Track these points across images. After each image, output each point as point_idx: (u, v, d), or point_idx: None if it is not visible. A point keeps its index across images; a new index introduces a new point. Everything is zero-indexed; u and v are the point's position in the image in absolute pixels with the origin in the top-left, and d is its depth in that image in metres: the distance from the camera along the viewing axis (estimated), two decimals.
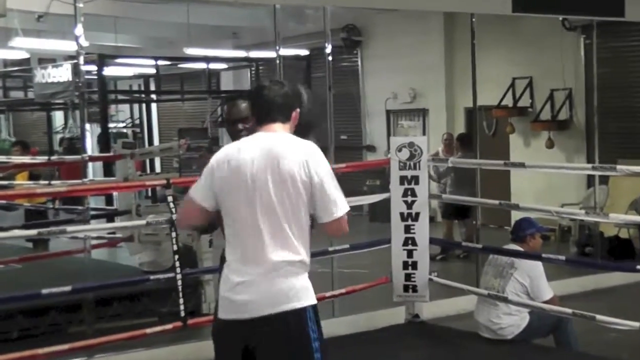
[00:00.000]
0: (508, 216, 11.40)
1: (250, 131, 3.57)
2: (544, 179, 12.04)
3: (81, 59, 7.02)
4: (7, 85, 18.05)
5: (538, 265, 5.94)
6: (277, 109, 3.41)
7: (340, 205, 3.31)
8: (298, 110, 3.49)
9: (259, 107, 3.45)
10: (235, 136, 3.82)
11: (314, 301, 3.31)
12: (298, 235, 3.28)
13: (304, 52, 15.52)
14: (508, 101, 13.01)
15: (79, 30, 6.80)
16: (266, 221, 3.25)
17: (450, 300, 7.53)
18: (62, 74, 11.43)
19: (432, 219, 12.12)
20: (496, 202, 6.79)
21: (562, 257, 6.36)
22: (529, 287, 5.89)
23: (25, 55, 14.51)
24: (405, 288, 6.68)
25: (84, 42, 7.05)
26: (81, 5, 6.80)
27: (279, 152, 3.28)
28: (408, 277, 6.65)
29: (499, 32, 12.49)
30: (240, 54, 16.81)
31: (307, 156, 3.29)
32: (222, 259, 3.57)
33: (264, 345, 3.24)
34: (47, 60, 13.13)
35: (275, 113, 3.41)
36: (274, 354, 3.23)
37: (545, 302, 5.82)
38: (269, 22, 8.05)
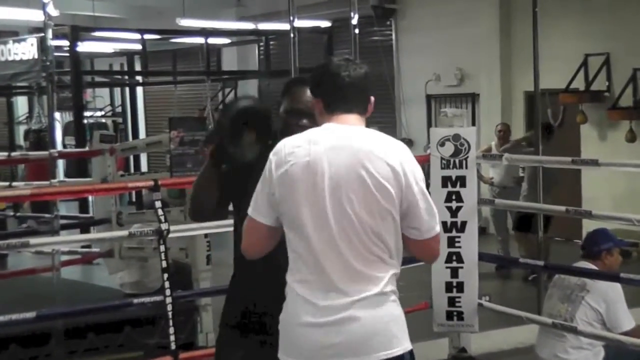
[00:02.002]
0: (579, 227, 11.37)
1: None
2: (624, 181, 11.98)
3: (49, 32, 7.06)
4: None
5: (616, 287, 5.90)
6: (356, 96, 3.33)
7: (437, 219, 3.30)
8: (373, 99, 3.42)
9: (331, 92, 3.31)
10: (292, 133, 3.47)
11: (410, 344, 3.28)
12: (388, 256, 3.23)
13: (325, 24, 15.55)
14: (579, 84, 12.96)
15: None
16: (351, 239, 3.17)
17: (506, 331, 7.51)
18: (25, 50, 11.47)
19: (483, 231, 12.22)
20: (562, 208, 6.76)
21: None
22: (604, 314, 5.85)
23: None
24: (449, 315, 6.67)
25: (53, 12, 7.10)
26: None
27: (370, 153, 3.18)
28: (452, 301, 6.64)
29: None
30: (246, 26, 16.86)
31: (403, 159, 3.22)
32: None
33: None
34: (7, 33, 13.20)
35: (353, 101, 3.32)
36: None
37: (625, 333, 5.79)
38: None
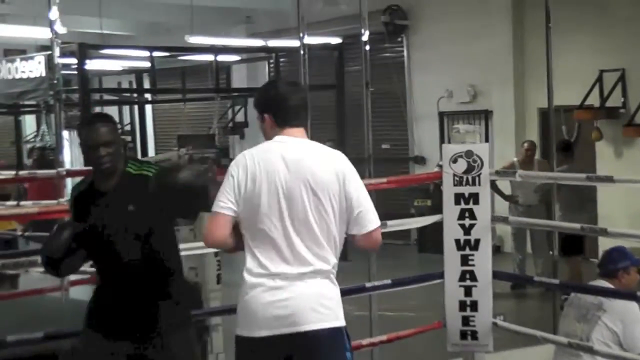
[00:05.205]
0: (594, 245, 11.32)
1: (115, 156, 4.27)
2: None
3: (57, 50, 7.07)
4: None
5: (633, 307, 5.88)
6: (303, 113, 4.07)
7: (375, 216, 4.02)
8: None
9: (283, 109, 4.01)
10: (97, 163, 4.32)
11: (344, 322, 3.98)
12: (333, 250, 3.94)
13: (335, 41, 15.57)
14: (594, 100, 12.95)
15: (54, 13, 6.87)
16: (301, 234, 3.87)
17: (521, 351, 7.47)
18: (33, 68, 11.56)
19: (497, 249, 12.18)
20: (577, 226, 6.74)
21: None
22: (621, 335, 5.83)
23: None
24: (463, 335, 6.65)
25: (61, 29, 7.12)
26: None
27: (313, 163, 3.92)
28: (466, 320, 6.61)
29: (582, 11, 12.46)
30: (256, 43, 16.90)
31: (342, 167, 3.95)
32: None
33: None
34: (15, 51, 13.28)
35: (301, 117, 4.06)
36: None
37: None
38: (290, 4, 8.10)
